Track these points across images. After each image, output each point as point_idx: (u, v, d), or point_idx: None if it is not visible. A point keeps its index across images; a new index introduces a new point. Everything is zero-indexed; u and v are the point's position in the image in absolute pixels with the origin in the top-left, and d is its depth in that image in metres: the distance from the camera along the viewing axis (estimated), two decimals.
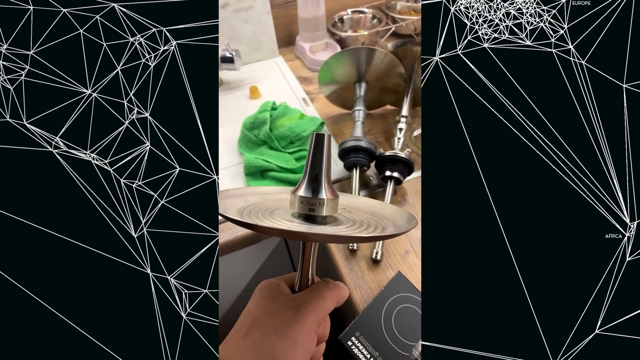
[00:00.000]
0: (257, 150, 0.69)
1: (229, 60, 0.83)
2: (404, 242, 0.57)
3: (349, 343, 0.44)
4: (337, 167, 0.66)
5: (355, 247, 0.55)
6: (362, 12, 1.04)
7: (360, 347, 0.44)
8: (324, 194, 0.32)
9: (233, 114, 0.79)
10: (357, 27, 1.03)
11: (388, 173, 0.60)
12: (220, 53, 0.83)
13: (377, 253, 0.53)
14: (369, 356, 0.43)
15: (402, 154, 0.60)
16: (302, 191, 0.32)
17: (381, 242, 0.55)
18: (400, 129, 0.66)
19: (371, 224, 0.34)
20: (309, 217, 0.32)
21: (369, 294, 0.50)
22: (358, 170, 0.62)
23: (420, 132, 0.73)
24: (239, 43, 0.92)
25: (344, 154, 0.62)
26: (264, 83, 0.90)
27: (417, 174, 0.66)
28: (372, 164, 0.63)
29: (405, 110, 0.69)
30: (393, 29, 0.95)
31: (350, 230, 0.31)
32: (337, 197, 0.33)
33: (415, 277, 0.52)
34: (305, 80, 0.91)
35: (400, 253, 0.55)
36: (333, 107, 0.80)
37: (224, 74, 0.91)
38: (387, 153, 0.60)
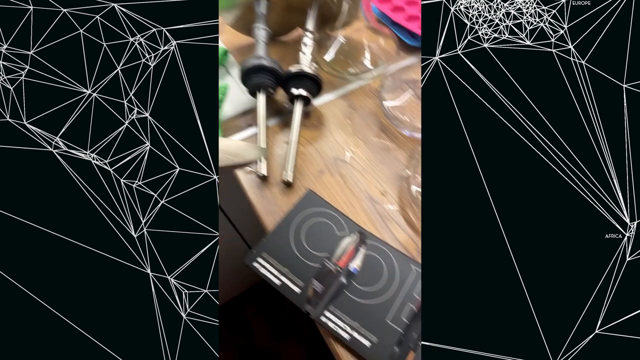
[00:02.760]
0: None
1: None
2: (318, 162, 0.55)
3: (255, 265, 0.43)
4: (244, 96, 0.62)
5: (265, 174, 0.52)
6: None
7: (268, 267, 0.43)
8: None
9: None
10: None
11: (294, 91, 0.56)
12: None
13: (286, 174, 0.51)
14: (277, 273, 0.42)
15: (309, 70, 0.56)
16: None
17: (291, 163, 0.52)
18: (305, 44, 0.61)
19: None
20: None
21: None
22: (264, 94, 0.57)
23: (333, 54, 0.68)
24: None
25: (245, 77, 0.57)
26: None
27: (330, 97, 0.64)
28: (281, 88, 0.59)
29: (310, 25, 0.62)
30: None
31: None
32: None
33: (330, 195, 0.51)
34: None
35: (314, 174, 0.54)
36: (241, 37, 0.73)
37: None
38: (292, 69, 0.56)
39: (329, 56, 0.67)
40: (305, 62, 0.59)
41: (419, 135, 0.57)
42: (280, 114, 0.62)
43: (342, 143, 0.58)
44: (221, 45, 0.71)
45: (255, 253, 0.44)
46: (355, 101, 0.64)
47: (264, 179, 0.53)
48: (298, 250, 0.44)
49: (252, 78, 0.56)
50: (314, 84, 0.57)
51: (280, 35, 0.74)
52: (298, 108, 0.57)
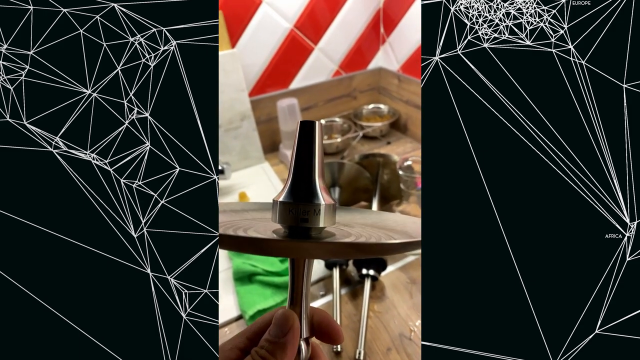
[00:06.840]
0: (245, 255, 0.72)
1: (221, 172, 0.93)
2: (385, 338, 0.57)
3: None
4: (319, 266, 0.71)
5: (339, 349, 0.55)
6: (334, 121, 1.24)
7: None
8: (320, 197, 0.24)
9: None
10: (331, 133, 1.23)
11: (364, 271, 0.64)
12: None
13: (359, 353, 0.54)
14: None
15: None
16: (286, 196, 0.24)
17: (362, 339, 0.55)
18: None
19: (381, 237, 0.27)
20: (299, 230, 0.24)
21: None
22: (338, 269, 0.66)
23: None
24: (229, 155, 1.06)
25: None
26: (252, 188, 1.00)
27: (391, 268, 0.70)
28: (351, 261, 0.68)
29: (374, 208, 0.78)
30: (361, 135, 1.17)
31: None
32: (334, 202, 0.25)
33: None
34: None
35: (382, 351, 0.56)
36: None
37: None
38: None
39: None
40: None
41: None
42: (348, 283, 0.68)
43: (405, 317, 0.61)
44: None
45: None
46: (414, 273, 0.69)
47: (337, 354, 0.55)
48: None
49: None
50: (381, 263, 0.65)
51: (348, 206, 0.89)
52: (368, 285, 0.63)
